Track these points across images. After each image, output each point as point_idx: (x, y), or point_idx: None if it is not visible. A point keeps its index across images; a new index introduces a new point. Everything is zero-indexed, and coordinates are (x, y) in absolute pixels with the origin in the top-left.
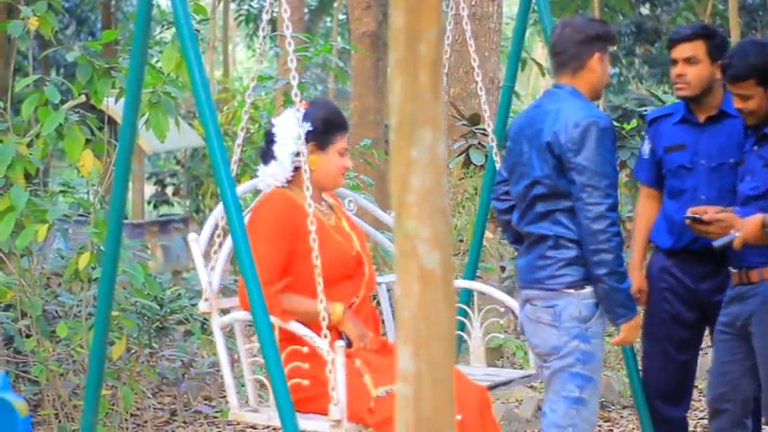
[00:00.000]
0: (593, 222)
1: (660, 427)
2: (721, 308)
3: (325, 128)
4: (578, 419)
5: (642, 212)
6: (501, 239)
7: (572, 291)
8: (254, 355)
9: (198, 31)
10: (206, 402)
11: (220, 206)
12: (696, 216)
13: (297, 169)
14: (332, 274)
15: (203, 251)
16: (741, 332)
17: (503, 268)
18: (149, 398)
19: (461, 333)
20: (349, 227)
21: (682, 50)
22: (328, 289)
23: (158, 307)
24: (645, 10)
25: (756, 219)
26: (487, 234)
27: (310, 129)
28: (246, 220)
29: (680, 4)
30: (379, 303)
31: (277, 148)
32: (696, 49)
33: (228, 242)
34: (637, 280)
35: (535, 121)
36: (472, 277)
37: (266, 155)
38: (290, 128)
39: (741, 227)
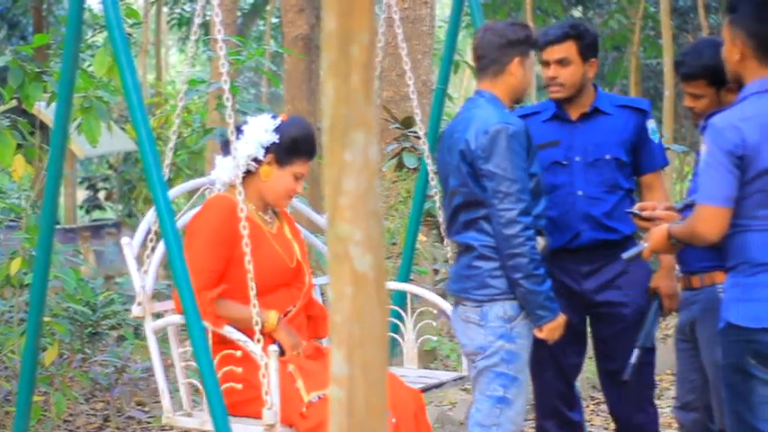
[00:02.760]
0: (505, 228)
1: (563, 429)
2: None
3: (289, 147)
4: (503, 419)
5: None
6: (434, 242)
7: (498, 299)
8: (188, 360)
9: (130, 34)
10: (139, 408)
11: (153, 210)
12: (635, 211)
13: (248, 173)
14: (268, 281)
15: (136, 255)
16: (692, 338)
17: (436, 271)
18: (82, 404)
19: (395, 335)
20: (291, 235)
21: (553, 52)
22: (265, 296)
23: (91, 312)
24: (577, 12)
25: (662, 229)
26: (420, 237)
27: (276, 141)
28: (185, 222)
29: (612, 7)
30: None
31: (239, 144)
32: (567, 50)
33: (161, 246)
34: None
35: (454, 130)
36: (405, 280)
37: (227, 147)
38: (258, 131)
39: (649, 237)
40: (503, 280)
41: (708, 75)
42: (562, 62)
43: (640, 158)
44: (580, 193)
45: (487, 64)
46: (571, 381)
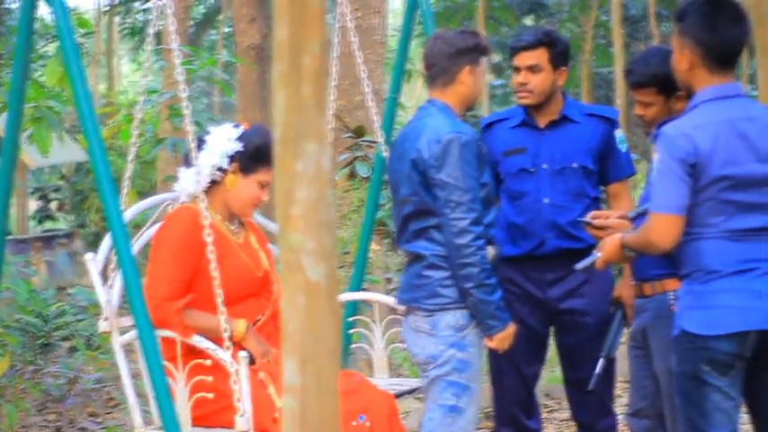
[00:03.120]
0: (456, 237)
1: None
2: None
3: (253, 154)
4: (455, 427)
5: None
6: (386, 251)
7: (449, 309)
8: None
9: (82, 44)
10: (91, 419)
11: None
12: (587, 220)
13: (213, 183)
14: (235, 291)
15: (100, 269)
16: (644, 345)
17: (388, 280)
18: (34, 415)
19: (365, 346)
20: (258, 244)
21: (524, 58)
22: (233, 306)
23: (43, 323)
24: (529, 21)
25: (615, 238)
26: (373, 246)
27: (240, 150)
28: (152, 233)
29: (563, 15)
30: None
31: (202, 155)
32: (539, 56)
33: None
34: None
35: (406, 139)
36: (358, 289)
37: (189, 159)
38: (222, 141)
39: (602, 247)
40: (454, 289)
41: (657, 83)
42: (533, 69)
43: (607, 167)
44: (546, 200)
45: (438, 73)
46: (531, 388)
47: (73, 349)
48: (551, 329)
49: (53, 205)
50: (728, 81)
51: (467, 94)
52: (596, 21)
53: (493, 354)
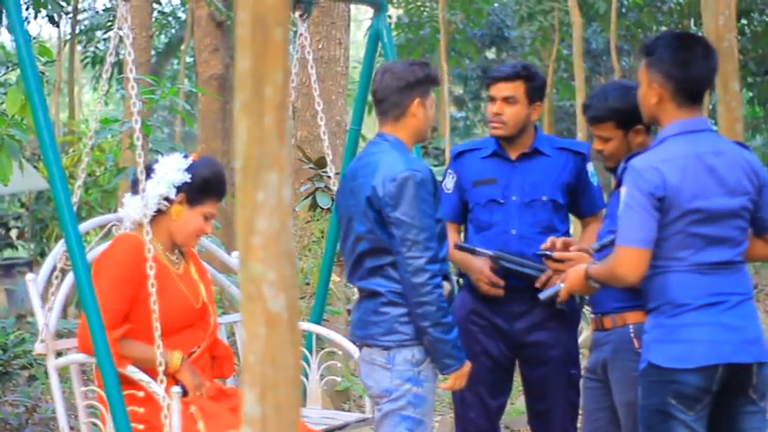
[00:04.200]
0: (413, 276)
1: None
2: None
3: (201, 187)
4: None
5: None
6: (347, 282)
7: (407, 345)
8: (89, 398)
9: (43, 72)
10: None
11: (58, 247)
12: (546, 252)
13: (158, 212)
14: (173, 322)
15: (41, 292)
16: (603, 378)
17: (349, 311)
18: None
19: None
20: (198, 275)
21: (501, 89)
22: (170, 337)
23: (2, 351)
24: (491, 54)
25: (579, 270)
26: (334, 277)
27: (188, 181)
28: (93, 257)
29: (525, 49)
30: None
31: (150, 184)
32: (516, 89)
33: (66, 283)
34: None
35: (357, 174)
36: (319, 320)
37: (137, 186)
38: (170, 171)
39: (565, 278)
40: (411, 326)
41: (615, 117)
42: (508, 100)
43: (581, 202)
44: (514, 232)
45: (388, 107)
46: (495, 421)
47: (32, 378)
48: (516, 362)
49: (13, 233)
50: (696, 115)
51: (418, 126)
52: (558, 54)
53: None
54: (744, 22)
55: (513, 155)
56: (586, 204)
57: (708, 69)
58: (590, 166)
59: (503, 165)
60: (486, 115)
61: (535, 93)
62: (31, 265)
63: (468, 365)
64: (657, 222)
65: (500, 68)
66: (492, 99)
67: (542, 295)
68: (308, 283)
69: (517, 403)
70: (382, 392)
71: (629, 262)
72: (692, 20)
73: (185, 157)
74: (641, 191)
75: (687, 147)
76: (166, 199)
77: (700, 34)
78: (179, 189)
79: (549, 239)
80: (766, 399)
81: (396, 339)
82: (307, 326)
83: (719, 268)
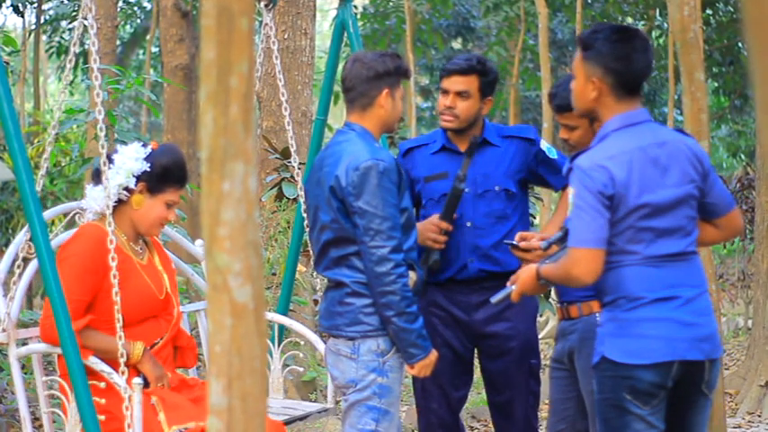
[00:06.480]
0: (376, 265)
1: None
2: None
3: (161, 175)
4: None
5: None
6: (313, 273)
7: (371, 336)
8: (51, 388)
9: (8, 62)
10: None
11: (20, 236)
12: (513, 242)
13: (119, 202)
14: (136, 313)
15: (3, 281)
16: (570, 367)
17: (315, 302)
18: None
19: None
20: (162, 266)
21: (455, 83)
22: (132, 328)
23: None
24: (457, 44)
25: (531, 270)
26: (300, 267)
27: (147, 170)
28: (54, 246)
29: (491, 39)
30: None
31: (110, 174)
32: (470, 83)
33: (28, 272)
34: None
35: (323, 164)
36: (285, 311)
37: (99, 176)
38: (129, 160)
39: (517, 278)
40: (376, 317)
41: None
42: (462, 94)
43: (548, 178)
44: (468, 224)
45: (356, 96)
46: (457, 412)
47: None
48: (476, 352)
49: None
50: (636, 107)
51: (385, 117)
52: (524, 45)
53: (419, 377)
54: (709, 12)
55: (463, 147)
56: (556, 179)
57: (647, 62)
58: (543, 143)
59: (453, 158)
60: (437, 107)
61: (488, 87)
62: None
63: (434, 354)
64: (609, 221)
65: (454, 61)
66: (444, 92)
67: (494, 299)
68: (274, 274)
69: (483, 393)
70: (348, 383)
71: (583, 263)
72: (658, 10)
73: (144, 146)
74: (590, 190)
75: (631, 141)
76: (126, 189)
77: (637, 27)
78: (138, 178)
79: (518, 234)
80: (715, 390)
81: (360, 330)
82: (270, 316)
83: (673, 260)
